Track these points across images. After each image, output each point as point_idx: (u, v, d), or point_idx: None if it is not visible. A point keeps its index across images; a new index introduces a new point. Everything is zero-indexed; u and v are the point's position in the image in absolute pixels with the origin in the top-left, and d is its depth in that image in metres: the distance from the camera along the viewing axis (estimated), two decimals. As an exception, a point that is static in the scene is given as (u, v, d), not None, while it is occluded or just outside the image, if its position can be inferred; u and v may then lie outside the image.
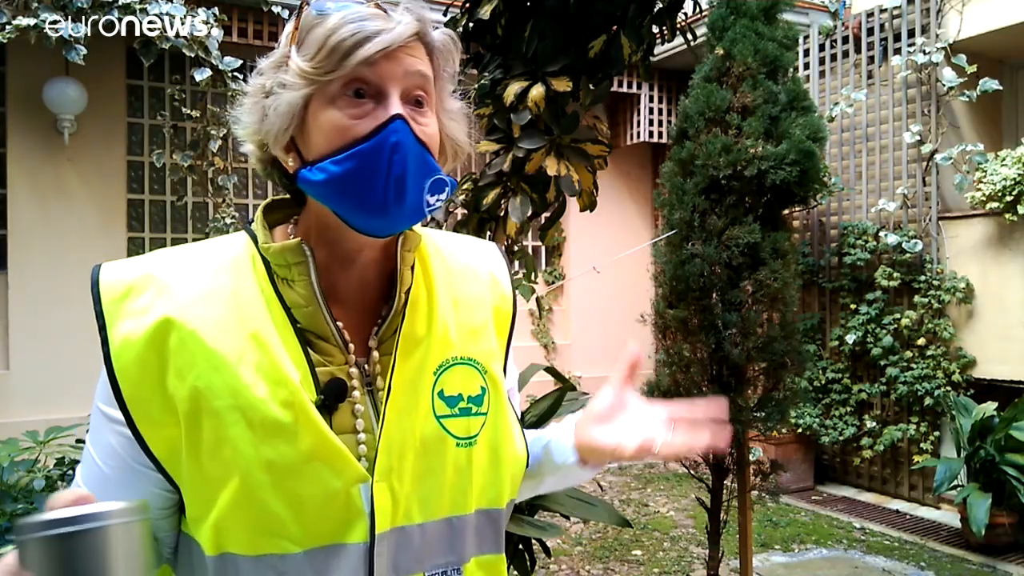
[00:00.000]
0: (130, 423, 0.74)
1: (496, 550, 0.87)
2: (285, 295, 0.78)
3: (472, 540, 0.84)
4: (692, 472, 3.37)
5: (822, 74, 5.79)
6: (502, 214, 2.44)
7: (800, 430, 5.39)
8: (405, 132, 0.72)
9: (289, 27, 0.77)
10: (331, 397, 0.76)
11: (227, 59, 4.10)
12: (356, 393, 0.78)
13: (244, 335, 0.74)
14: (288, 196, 0.87)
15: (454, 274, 0.88)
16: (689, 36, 2.54)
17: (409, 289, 0.82)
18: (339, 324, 0.79)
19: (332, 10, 0.73)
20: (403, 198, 0.73)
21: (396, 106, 0.73)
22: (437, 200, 0.77)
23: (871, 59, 5.48)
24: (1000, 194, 4.57)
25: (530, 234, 5.42)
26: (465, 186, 2.53)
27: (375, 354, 0.81)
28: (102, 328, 0.74)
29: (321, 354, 0.78)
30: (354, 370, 0.79)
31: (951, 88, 4.90)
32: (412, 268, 0.84)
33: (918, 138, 5.06)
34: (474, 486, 0.83)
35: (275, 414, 0.72)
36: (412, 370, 0.80)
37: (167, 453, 0.74)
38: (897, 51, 5.30)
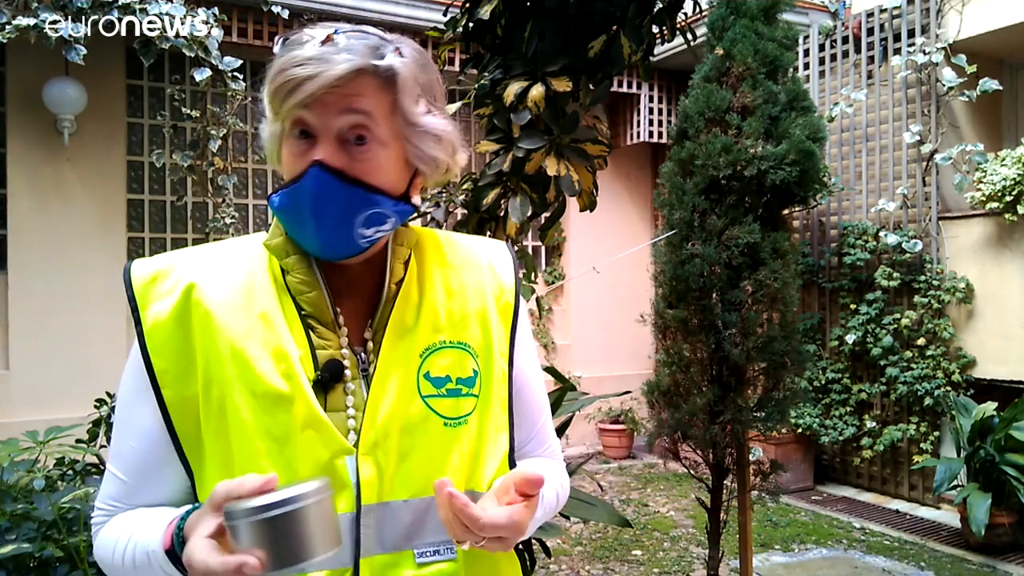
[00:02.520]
0: (160, 400, 0.81)
1: None
2: (291, 284, 0.85)
3: None
4: (692, 472, 3.37)
5: (822, 74, 5.79)
6: (502, 214, 2.44)
7: (800, 430, 5.39)
8: (319, 177, 0.77)
9: None
10: (328, 375, 0.82)
11: (227, 59, 4.10)
12: (349, 375, 0.84)
13: (253, 315, 0.82)
14: None
15: (450, 266, 0.93)
16: (689, 36, 2.54)
17: (401, 281, 0.88)
18: (338, 310, 0.86)
19: (281, 53, 0.79)
20: (324, 233, 0.80)
21: (319, 151, 0.78)
22: (376, 232, 0.82)
23: (871, 59, 5.48)
24: (1000, 194, 4.57)
25: (530, 234, 5.43)
26: (465, 186, 2.53)
27: (370, 340, 0.86)
28: (135, 311, 0.83)
29: (322, 338, 0.84)
30: (348, 354, 0.85)
31: (951, 88, 4.90)
32: (407, 262, 0.89)
33: (918, 138, 5.06)
34: (464, 466, 0.85)
35: (276, 385, 0.79)
36: (399, 354, 0.85)
37: (189, 432, 0.81)
38: (897, 51, 5.30)
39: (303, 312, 0.84)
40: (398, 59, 0.80)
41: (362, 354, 0.86)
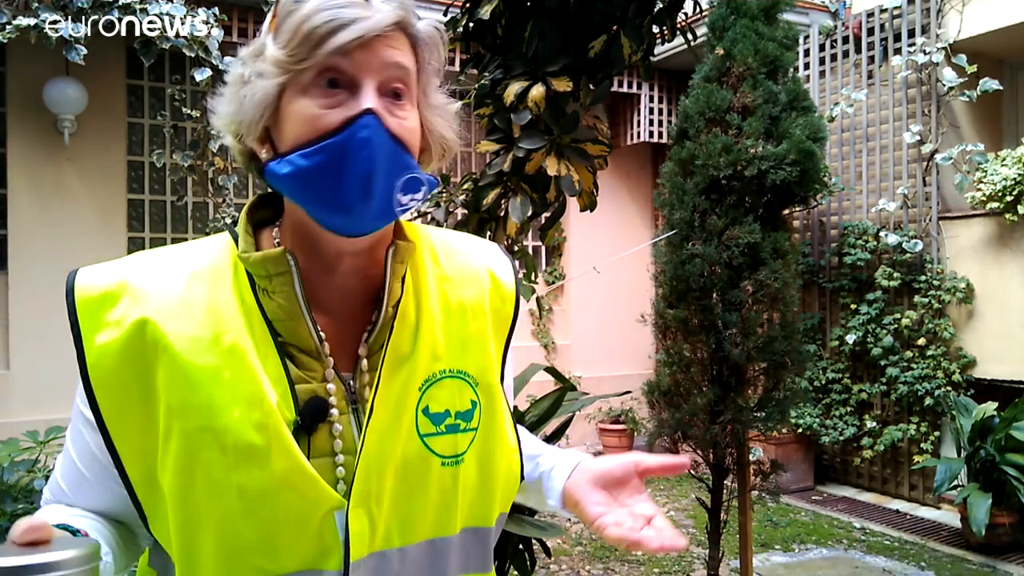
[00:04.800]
0: (106, 436, 0.72)
1: (483, 568, 0.84)
2: (266, 307, 0.74)
3: (456, 559, 0.81)
4: (692, 472, 3.37)
5: (822, 74, 5.79)
6: (502, 214, 2.44)
7: (800, 430, 5.39)
8: (376, 128, 0.68)
9: (269, 15, 0.74)
10: (309, 418, 0.72)
11: (227, 59, 4.10)
12: (335, 412, 0.74)
13: (220, 350, 0.71)
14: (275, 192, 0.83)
15: (450, 280, 0.84)
16: (689, 36, 2.54)
17: (398, 302, 0.79)
18: (322, 335, 0.76)
19: None
20: (370, 196, 0.69)
21: (369, 99, 0.69)
22: (411, 200, 0.73)
23: (871, 59, 5.48)
24: (1000, 194, 4.57)
25: (530, 234, 5.42)
26: (465, 186, 2.53)
27: (364, 363, 0.77)
28: (77, 338, 0.72)
29: (303, 369, 0.74)
30: (332, 386, 0.75)
31: (951, 88, 4.90)
32: (403, 279, 0.80)
33: (918, 138, 5.06)
34: (460, 505, 0.80)
35: (248, 437, 0.69)
36: (397, 388, 0.76)
37: (141, 473, 0.72)
38: (897, 51, 5.30)
39: (279, 339, 0.73)
40: (426, 25, 0.76)
41: (350, 381, 0.76)
